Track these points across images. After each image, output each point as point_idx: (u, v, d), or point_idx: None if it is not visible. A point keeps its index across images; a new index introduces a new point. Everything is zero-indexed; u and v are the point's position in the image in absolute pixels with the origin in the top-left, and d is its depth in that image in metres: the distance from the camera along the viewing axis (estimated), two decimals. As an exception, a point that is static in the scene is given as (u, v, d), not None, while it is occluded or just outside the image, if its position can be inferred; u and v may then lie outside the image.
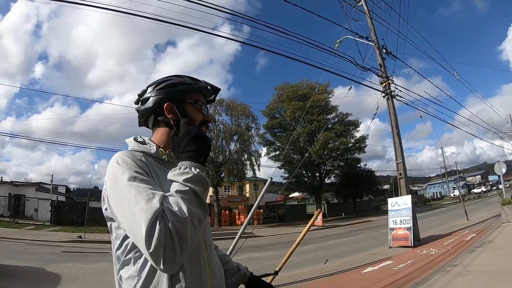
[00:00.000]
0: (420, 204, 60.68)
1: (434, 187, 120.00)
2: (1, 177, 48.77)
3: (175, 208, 1.26)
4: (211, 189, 41.04)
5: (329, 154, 47.54)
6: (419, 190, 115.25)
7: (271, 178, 7.55)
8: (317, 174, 50.69)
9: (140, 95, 1.74)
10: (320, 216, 32.10)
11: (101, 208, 1.52)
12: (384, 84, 19.45)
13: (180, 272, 1.42)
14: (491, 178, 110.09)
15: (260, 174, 46.85)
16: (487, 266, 9.34)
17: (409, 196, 16.99)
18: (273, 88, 54.35)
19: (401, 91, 20.23)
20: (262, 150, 49.48)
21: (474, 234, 16.08)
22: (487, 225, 19.27)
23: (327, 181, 52.62)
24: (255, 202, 8.03)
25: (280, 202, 54.83)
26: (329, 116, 47.57)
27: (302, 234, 6.58)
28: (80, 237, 22.69)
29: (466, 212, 24.65)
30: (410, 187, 24.88)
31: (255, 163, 44.02)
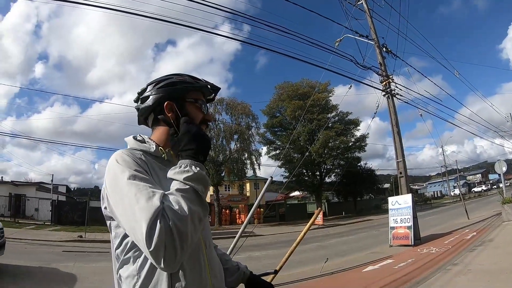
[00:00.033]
0: (421, 203, 60.61)
1: (435, 186, 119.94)
2: (2, 177, 48.89)
3: (176, 207, 1.26)
4: (211, 188, 41.07)
5: (330, 153, 47.47)
6: (419, 189, 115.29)
7: (271, 177, 7.56)
8: (318, 173, 50.64)
9: (140, 93, 1.73)
10: (320, 215, 32.11)
11: (101, 207, 1.52)
12: (385, 82, 19.44)
13: (180, 271, 1.42)
14: (491, 176, 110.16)
15: (261, 173, 46.89)
16: (487, 264, 9.34)
17: (410, 195, 17.00)
18: (273, 87, 54.25)
19: (401, 89, 20.23)
20: (262, 149, 49.52)
21: (475, 233, 16.09)
22: (488, 223, 19.29)
23: (327, 180, 52.64)
24: (255, 201, 8.04)
25: (280, 201, 54.80)
26: (329, 115, 47.39)
27: (302, 233, 6.58)
28: (81, 236, 22.70)
29: (466, 211, 24.64)
30: (411, 186, 24.93)
31: (255, 162, 43.93)
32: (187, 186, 1.34)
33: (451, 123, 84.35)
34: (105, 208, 1.46)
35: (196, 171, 1.38)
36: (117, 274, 1.50)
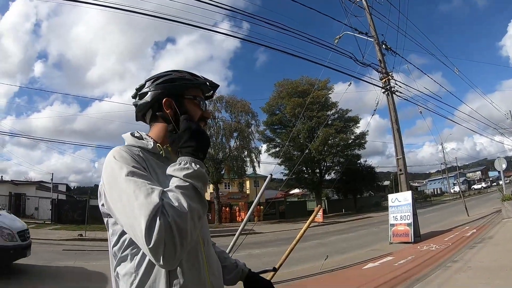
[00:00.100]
0: (421, 200, 60.65)
1: (434, 183, 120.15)
2: (2, 176, 48.96)
3: (175, 204, 1.26)
4: (211, 186, 41.13)
5: (329, 150, 47.53)
6: (419, 186, 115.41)
7: (271, 175, 7.54)
8: (317, 170, 50.77)
9: (138, 89, 1.72)
10: (320, 213, 32.11)
11: (98, 204, 1.51)
12: (384, 80, 19.42)
13: (178, 268, 1.41)
14: (491, 174, 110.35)
15: (260, 170, 46.86)
16: (487, 262, 9.35)
17: (410, 192, 17.00)
18: (273, 84, 54.43)
19: (401, 86, 20.22)
20: (262, 146, 49.84)
21: (475, 230, 16.09)
22: (488, 221, 19.28)
23: (327, 177, 52.72)
24: (255, 198, 8.03)
25: (280, 198, 54.88)
26: (329, 113, 47.44)
27: (302, 231, 6.57)
28: (81, 235, 22.69)
29: (466, 208, 24.66)
30: (410, 183, 24.92)
31: (255, 159, 44.04)
32: (187, 183, 1.34)
33: (451, 120, 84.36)
34: (103, 205, 1.46)
35: (196, 168, 1.38)
36: (114, 272, 1.50)
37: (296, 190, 65.23)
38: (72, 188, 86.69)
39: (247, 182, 58.78)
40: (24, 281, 9.91)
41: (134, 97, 1.75)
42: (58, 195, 42.91)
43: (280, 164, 47.61)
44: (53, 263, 12.50)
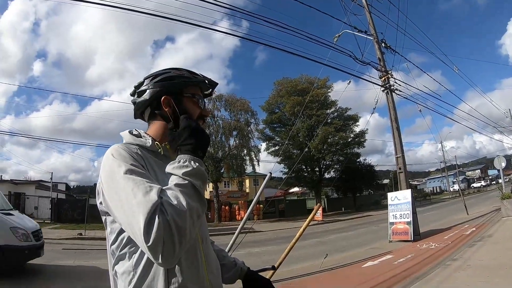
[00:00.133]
0: (420, 198, 60.78)
1: (434, 181, 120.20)
2: (1, 176, 48.91)
3: (174, 202, 1.25)
4: (211, 185, 41.12)
5: (329, 148, 47.69)
6: (418, 184, 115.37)
7: (271, 173, 7.54)
8: (317, 169, 50.79)
9: (137, 87, 1.71)
10: (320, 211, 32.18)
11: (96, 202, 1.50)
12: (383, 78, 19.43)
13: (177, 267, 1.41)
14: (490, 172, 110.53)
15: (260, 169, 46.96)
16: (487, 260, 9.36)
17: (409, 191, 17.01)
18: (272, 83, 54.38)
19: (400, 85, 20.23)
20: (261, 145, 49.68)
21: (474, 228, 16.12)
22: (487, 219, 19.30)
23: (326, 176, 52.74)
24: (255, 197, 8.03)
25: (280, 197, 54.90)
26: (328, 111, 47.52)
27: (301, 229, 6.57)
28: (81, 234, 22.67)
29: (465, 207, 24.68)
30: (410, 182, 24.93)
31: (254, 158, 44.11)
32: (186, 181, 1.33)
33: (450, 119, 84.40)
34: (101, 203, 1.45)
35: (195, 167, 1.37)
36: (112, 270, 1.50)
37: (296, 189, 65.23)
38: (71, 187, 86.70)
39: (247, 181, 58.78)
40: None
41: (132, 94, 1.74)
42: (57, 194, 42.98)
43: (279, 163, 47.67)
44: (52, 262, 12.45)
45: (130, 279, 1.40)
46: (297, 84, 47.82)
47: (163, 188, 1.30)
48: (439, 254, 11.24)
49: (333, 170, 52.78)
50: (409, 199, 16.21)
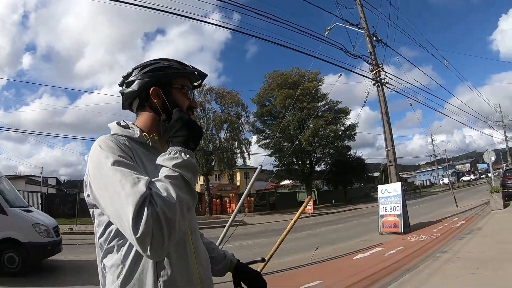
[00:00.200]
0: (410, 191, 61.15)
1: (424, 174, 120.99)
2: (-10, 171, 48.41)
3: (164, 194, 1.24)
4: (201, 178, 41.07)
5: (319, 141, 47.82)
6: (409, 177, 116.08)
7: (261, 166, 7.57)
8: (308, 161, 50.83)
9: (125, 77, 1.69)
10: (310, 204, 32.22)
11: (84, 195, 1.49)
12: (374, 71, 19.46)
13: (166, 259, 1.40)
14: (480, 166, 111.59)
15: (251, 162, 46.92)
16: (476, 252, 9.43)
17: (399, 183, 17.08)
18: (263, 76, 54.25)
19: (391, 78, 20.31)
20: (252, 138, 49.73)
21: (463, 221, 16.24)
22: (476, 212, 19.45)
23: (317, 168, 52.88)
24: (245, 190, 8.04)
25: (271, 190, 54.95)
26: (319, 104, 47.49)
27: (292, 222, 6.59)
28: (71, 229, 22.61)
29: (455, 200, 24.82)
30: (400, 175, 25.02)
31: (245, 151, 44.10)
32: (176, 173, 1.32)
33: (441, 113, 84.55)
34: (88, 195, 1.43)
35: (185, 158, 1.36)
36: (101, 264, 1.48)
37: (287, 181, 65.27)
38: (62, 181, 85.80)
39: (238, 174, 58.78)
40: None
41: (121, 85, 1.72)
42: (48, 189, 42.59)
43: (270, 156, 47.55)
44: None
45: (118, 272, 1.38)
46: (288, 77, 47.81)
47: (152, 179, 1.29)
48: (429, 247, 11.32)
49: (323, 163, 52.98)
50: (399, 192, 16.28)
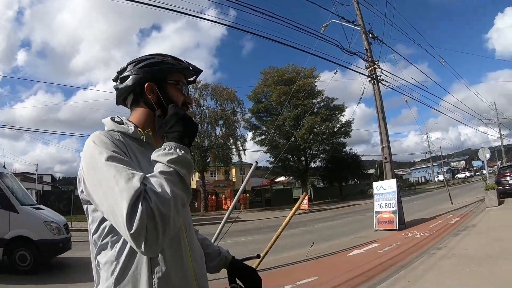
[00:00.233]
0: (405, 188, 61.30)
1: (419, 171, 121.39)
2: (-15, 169, 48.28)
3: (158, 189, 1.23)
4: (197, 174, 41.05)
5: (315, 138, 47.73)
6: (404, 174, 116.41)
7: (256, 162, 7.55)
8: (303, 158, 50.88)
9: (120, 73, 1.67)
10: (306, 200, 32.23)
11: (78, 191, 1.47)
12: (370, 68, 19.48)
13: (160, 255, 1.39)
14: (475, 163, 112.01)
15: (246, 158, 46.94)
16: (471, 249, 9.45)
17: (394, 180, 17.11)
18: (259, 72, 54.27)
19: (387, 75, 20.31)
20: (247, 134, 49.91)
21: (458, 218, 16.28)
22: (471, 209, 19.50)
23: (313, 165, 52.92)
24: (241, 186, 8.04)
25: (266, 186, 55.09)
26: (314, 101, 47.63)
27: (288, 218, 6.60)
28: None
29: (450, 197, 24.91)
30: (395, 172, 25.13)
31: (240, 147, 44.08)
32: (171, 169, 1.31)
33: (436, 110, 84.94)
34: (82, 191, 1.42)
35: (180, 154, 1.35)
36: (95, 260, 1.47)
37: (282, 178, 65.43)
38: (57, 178, 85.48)
39: (233, 170, 58.88)
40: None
41: (115, 80, 1.70)
42: (43, 186, 42.57)
43: (265, 152, 47.58)
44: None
45: (112, 269, 1.37)
46: (283, 74, 47.70)
47: (147, 175, 1.29)
48: (424, 243, 11.35)
49: (319, 159, 52.96)
50: (395, 188, 16.31)
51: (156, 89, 1.59)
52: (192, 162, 1.42)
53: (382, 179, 19.07)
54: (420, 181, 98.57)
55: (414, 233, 13.69)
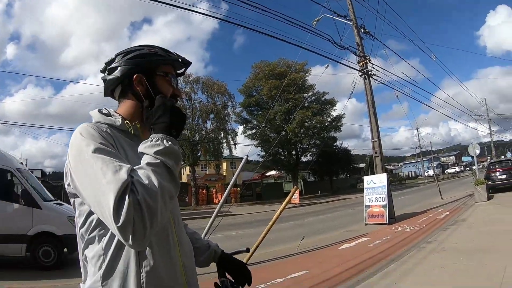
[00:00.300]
0: (395, 182, 61.52)
1: (409, 166, 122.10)
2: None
3: (146, 181, 1.21)
4: (188, 168, 41.00)
5: (306, 132, 47.82)
6: (394, 169, 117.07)
7: (247, 156, 7.57)
8: (294, 152, 51.07)
9: (108, 64, 1.64)
10: (297, 194, 32.29)
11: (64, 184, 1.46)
12: (362, 63, 19.49)
13: (148, 249, 1.38)
14: (464, 159, 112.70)
15: (237, 152, 47.14)
16: (460, 243, 9.52)
17: (385, 174, 17.18)
18: (250, 66, 54.23)
19: (378, 70, 20.35)
20: (238, 128, 50.00)
21: (448, 213, 16.37)
22: (461, 204, 19.62)
23: (303, 159, 53.11)
24: (231, 180, 8.04)
25: (257, 180, 55.13)
26: (305, 95, 47.82)
27: (278, 212, 6.61)
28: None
29: (440, 191, 25.04)
30: (386, 166, 25.19)
31: (231, 141, 44.10)
32: (158, 161, 1.29)
33: (427, 105, 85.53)
34: (69, 184, 1.40)
35: (167, 145, 1.33)
36: (82, 255, 1.45)
37: (273, 172, 65.50)
38: (47, 173, 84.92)
39: (224, 164, 58.84)
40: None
41: (103, 71, 1.67)
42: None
43: (256, 146, 47.75)
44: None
45: (100, 263, 1.36)
46: (275, 68, 47.85)
47: (134, 167, 1.27)
48: (414, 237, 11.41)
49: (310, 153, 53.10)
50: (385, 183, 16.39)
51: (144, 80, 1.57)
52: (180, 153, 1.41)
53: (372, 173, 19.14)
54: (410, 176, 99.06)
55: (404, 227, 13.76)
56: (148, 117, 1.47)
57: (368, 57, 19.60)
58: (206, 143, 42.03)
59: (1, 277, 9.02)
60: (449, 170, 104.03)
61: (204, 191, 44.98)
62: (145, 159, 1.31)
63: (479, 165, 31.20)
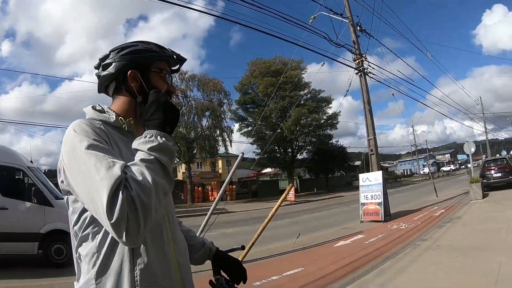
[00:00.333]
0: (391, 180, 61.74)
1: (405, 164, 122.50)
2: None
3: (139, 178, 1.20)
4: (183, 165, 40.97)
5: (301, 130, 47.94)
6: (390, 166, 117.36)
7: (243, 153, 7.55)
8: (289, 150, 51.13)
9: (102, 60, 1.63)
10: (292, 192, 32.33)
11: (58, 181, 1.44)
12: (357, 61, 19.49)
13: (142, 246, 1.36)
14: (460, 157, 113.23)
15: (233, 150, 47.04)
16: (456, 241, 9.54)
17: (380, 172, 17.20)
18: (246, 63, 54.26)
19: (374, 68, 20.37)
20: (234, 126, 49.83)
21: (443, 210, 16.41)
22: (456, 202, 19.66)
23: (299, 157, 53.08)
24: (227, 177, 8.03)
25: (252, 177, 55.11)
26: (301, 93, 47.84)
27: (274, 209, 6.60)
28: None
29: (435, 189, 25.05)
30: (381, 164, 25.25)
31: (227, 139, 44.24)
32: (152, 157, 1.28)
33: (423, 104, 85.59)
34: (62, 181, 1.39)
35: (161, 142, 1.32)
36: (76, 253, 1.43)
37: (268, 169, 65.55)
38: (43, 171, 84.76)
39: (220, 162, 58.78)
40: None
41: (97, 67, 1.66)
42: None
43: (252, 143, 47.71)
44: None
45: (94, 261, 1.34)
46: (271, 65, 47.78)
47: (128, 164, 1.26)
48: (409, 234, 11.43)
49: (305, 151, 53.24)
50: (380, 180, 16.40)
51: (139, 76, 1.56)
52: (174, 149, 1.41)
53: (368, 171, 19.15)
54: (405, 174, 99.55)
55: (400, 224, 13.78)
56: (142, 113, 1.46)
57: (364, 55, 19.61)
58: (202, 140, 42.03)
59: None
60: (444, 168, 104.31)
61: (199, 188, 45.09)
62: (139, 156, 1.30)
63: (474, 163, 31.28)
